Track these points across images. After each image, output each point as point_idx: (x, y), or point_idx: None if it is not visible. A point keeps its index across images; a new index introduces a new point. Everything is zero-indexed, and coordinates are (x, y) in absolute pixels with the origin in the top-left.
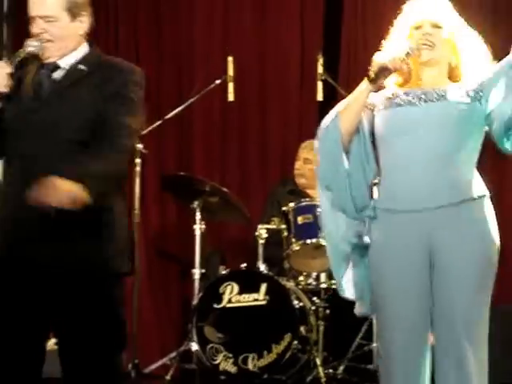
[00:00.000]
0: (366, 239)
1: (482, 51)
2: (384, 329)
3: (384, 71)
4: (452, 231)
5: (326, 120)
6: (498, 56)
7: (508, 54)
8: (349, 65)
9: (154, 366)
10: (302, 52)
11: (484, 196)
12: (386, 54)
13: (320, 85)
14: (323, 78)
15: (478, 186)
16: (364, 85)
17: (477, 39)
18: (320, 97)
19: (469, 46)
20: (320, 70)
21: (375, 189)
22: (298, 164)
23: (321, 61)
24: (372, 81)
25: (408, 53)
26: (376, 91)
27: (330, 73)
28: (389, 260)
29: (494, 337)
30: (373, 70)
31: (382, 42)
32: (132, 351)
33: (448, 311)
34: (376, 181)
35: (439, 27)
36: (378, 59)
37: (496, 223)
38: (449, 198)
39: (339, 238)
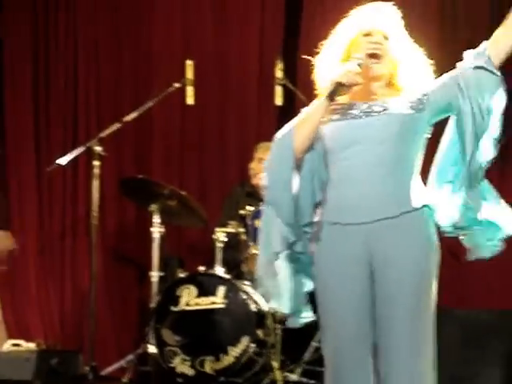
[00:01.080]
0: (302, 249)
1: (422, 64)
2: (327, 339)
3: (340, 88)
4: (392, 245)
5: (280, 135)
6: (442, 71)
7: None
8: (307, 69)
9: (111, 369)
10: (261, 56)
11: (425, 208)
12: (340, 70)
13: (278, 89)
14: (282, 82)
15: (420, 196)
16: (320, 101)
17: (417, 51)
18: (279, 101)
19: (409, 57)
20: (279, 74)
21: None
22: (253, 164)
23: (279, 65)
24: (329, 98)
25: (359, 65)
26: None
27: (289, 77)
28: (332, 272)
29: (453, 341)
30: (329, 87)
31: (324, 44)
32: (89, 353)
33: (389, 325)
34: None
35: (387, 38)
36: (334, 76)
37: (435, 232)
38: (390, 211)
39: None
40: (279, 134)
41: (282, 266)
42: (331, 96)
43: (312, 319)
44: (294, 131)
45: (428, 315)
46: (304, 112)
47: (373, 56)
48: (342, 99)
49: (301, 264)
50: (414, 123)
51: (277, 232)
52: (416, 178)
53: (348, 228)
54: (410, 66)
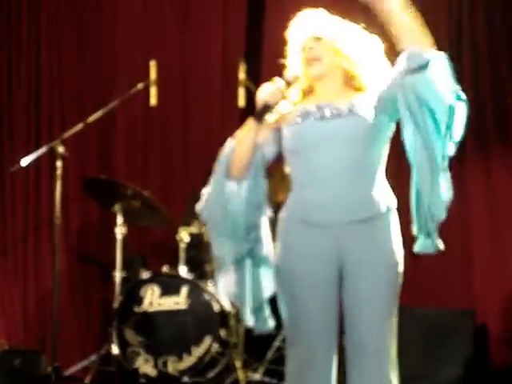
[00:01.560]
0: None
1: (377, 56)
2: (292, 340)
3: (267, 108)
4: (359, 246)
5: (222, 154)
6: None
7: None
8: (271, 71)
9: (74, 369)
10: (224, 57)
11: (390, 209)
12: (265, 90)
13: (242, 91)
14: (245, 84)
15: (386, 199)
16: (251, 123)
17: (369, 43)
18: (241, 103)
19: (360, 52)
20: (242, 76)
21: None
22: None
23: (243, 67)
24: (257, 119)
25: (288, 82)
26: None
27: (252, 78)
28: (299, 272)
29: (412, 340)
30: (256, 108)
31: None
32: (52, 354)
33: (355, 329)
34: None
35: (320, 39)
36: (259, 97)
37: (399, 234)
38: (357, 214)
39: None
40: (221, 153)
41: (238, 272)
42: (258, 116)
43: (273, 325)
44: (231, 155)
45: (394, 317)
46: (238, 135)
47: (308, 62)
48: (303, 101)
49: (259, 268)
50: (377, 125)
51: (219, 245)
52: (382, 178)
53: (315, 228)
54: (366, 61)
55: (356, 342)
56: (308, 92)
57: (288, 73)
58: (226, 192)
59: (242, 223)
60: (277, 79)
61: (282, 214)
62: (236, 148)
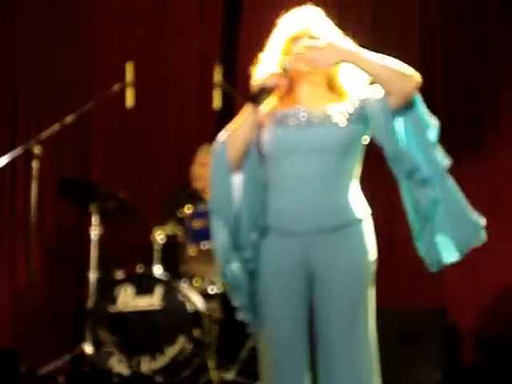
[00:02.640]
0: (250, 255)
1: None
2: (265, 345)
3: (263, 91)
4: (329, 256)
5: (216, 145)
6: None
7: None
8: (246, 73)
9: (47, 368)
10: (200, 59)
11: (362, 219)
12: (262, 73)
13: (218, 93)
14: (221, 86)
15: (359, 208)
16: (248, 109)
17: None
18: (217, 105)
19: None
20: (218, 78)
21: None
22: (194, 167)
23: (218, 69)
24: (253, 103)
25: (285, 68)
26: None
27: (228, 80)
28: (272, 278)
29: (384, 340)
30: (252, 92)
31: (260, 55)
32: (26, 353)
33: (326, 338)
34: None
35: (314, 38)
36: (255, 81)
37: (374, 243)
38: (328, 222)
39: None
40: (215, 144)
41: (236, 270)
42: (255, 100)
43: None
44: (227, 140)
45: (364, 323)
46: (234, 121)
47: (297, 57)
48: (278, 105)
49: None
50: (352, 135)
51: (223, 240)
52: (356, 188)
53: (287, 236)
54: (348, 68)
55: (323, 351)
56: (287, 93)
57: (283, 63)
58: (230, 183)
59: (249, 214)
60: (278, 62)
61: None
62: (231, 137)
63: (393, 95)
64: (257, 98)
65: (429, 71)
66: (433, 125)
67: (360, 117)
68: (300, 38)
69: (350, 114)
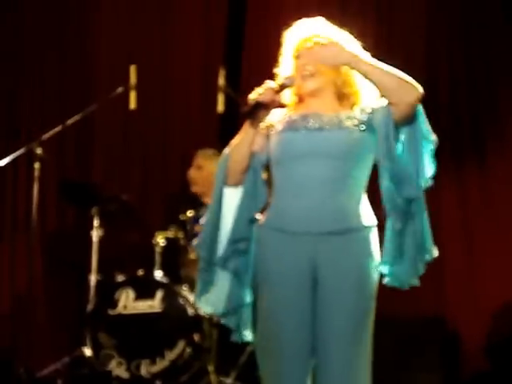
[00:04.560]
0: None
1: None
2: (265, 347)
3: (259, 107)
4: (334, 259)
5: (221, 157)
6: None
7: None
8: (250, 77)
9: (46, 371)
10: (204, 63)
11: (368, 226)
12: (258, 90)
13: (221, 96)
14: (225, 89)
15: (366, 216)
16: (246, 126)
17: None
18: (221, 108)
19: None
20: (221, 81)
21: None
22: (192, 171)
23: (222, 73)
24: (250, 120)
25: (283, 84)
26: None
27: (232, 84)
28: (275, 279)
29: (384, 348)
30: (246, 107)
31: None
32: (24, 355)
33: (326, 343)
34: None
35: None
36: (251, 96)
37: (379, 252)
38: (335, 226)
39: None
40: (221, 157)
41: (220, 277)
42: (250, 116)
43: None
44: (229, 156)
45: (366, 335)
46: (235, 138)
47: (304, 78)
48: (290, 110)
49: (240, 276)
50: (362, 142)
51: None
52: (362, 195)
53: (293, 237)
54: (358, 78)
55: (322, 353)
56: (298, 101)
57: (282, 75)
58: (223, 198)
59: (231, 231)
60: (269, 81)
61: (260, 222)
62: (231, 153)
63: (396, 105)
64: (252, 112)
65: (433, 78)
66: (432, 141)
67: (370, 125)
68: (299, 57)
69: (361, 122)
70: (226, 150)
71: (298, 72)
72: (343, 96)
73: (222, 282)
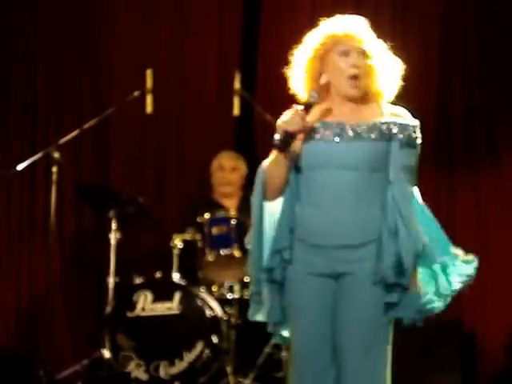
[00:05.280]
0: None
1: (395, 74)
2: (291, 355)
3: (287, 136)
4: (355, 271)
5: (259, 170)
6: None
7: None
8: (265, 80)
9: (65, 373)
10: (219, 66)
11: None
12: (284, 117)
13: (237, 100)
14: (240, 93)
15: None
16: (274, 155)
17: (393, 62)
18: (236, 112)
19: (386, 69)
20: (237, 85)
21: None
22: (225, 173)
23: (238, 76)
24: (279, 149)
25: (309, 103)
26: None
27: (247, 87)
28: (299, 288)
29: (400, 350)
30: (277, 140)
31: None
32: (44, 357)
33: (343, 349)
34: None
35: (367, 56)
36: (279, 125)
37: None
38: (356, 239)
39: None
40: (259, 169)
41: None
42: (280, 146)
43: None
44: (266, 174)
45: (384, 337)
46: (266, 165)
47: (353, 78)
48: (314, 119)
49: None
50: (383, 152)
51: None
52: (383, 205)
53: (314, 248)
54: (388, 78)
55: (340, 358)
56: (324, 109)
57: (308, 96)
58: (263, 211)
59: (273, 241)
60: (295, 106)
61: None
62: (266, 177)
63: None
64: (282, 143)
65: (447, 76)
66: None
67: (389, 138)
68: (350, 54)
69: (384, 131)
70: (262, 167)
71: (340, 70)
72: (370, 100)
73: (272, 293)
